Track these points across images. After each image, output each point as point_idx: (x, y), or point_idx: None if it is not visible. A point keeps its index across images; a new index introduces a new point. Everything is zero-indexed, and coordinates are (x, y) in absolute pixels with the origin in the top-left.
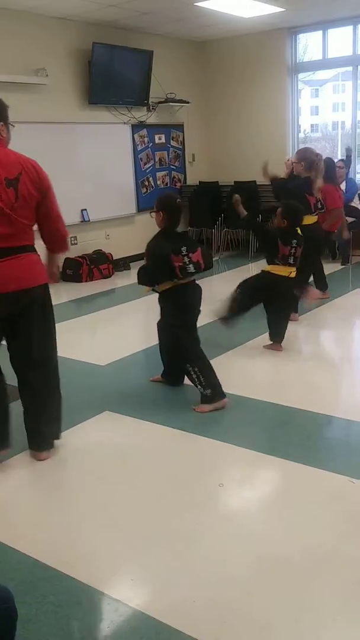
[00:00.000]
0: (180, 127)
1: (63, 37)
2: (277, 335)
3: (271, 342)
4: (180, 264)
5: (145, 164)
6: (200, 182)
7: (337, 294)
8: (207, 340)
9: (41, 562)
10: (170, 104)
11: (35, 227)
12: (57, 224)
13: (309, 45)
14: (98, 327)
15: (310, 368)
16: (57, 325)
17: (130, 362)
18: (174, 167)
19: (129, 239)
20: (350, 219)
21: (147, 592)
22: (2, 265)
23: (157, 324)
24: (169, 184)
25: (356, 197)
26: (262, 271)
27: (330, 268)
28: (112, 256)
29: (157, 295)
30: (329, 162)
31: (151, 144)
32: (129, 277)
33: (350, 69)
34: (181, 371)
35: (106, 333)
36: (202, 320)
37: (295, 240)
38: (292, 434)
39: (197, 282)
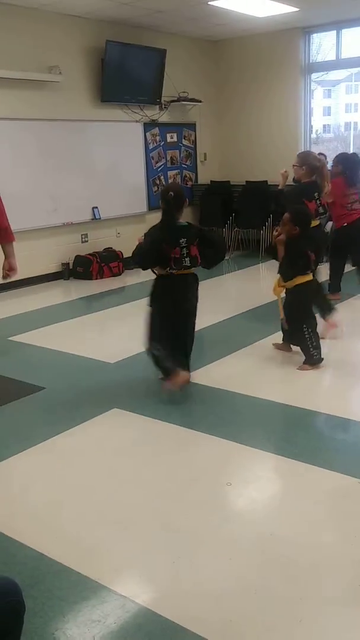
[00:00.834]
0: (192, 126)
1: (76, 35)
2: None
3: (283, 342)
4: (177, 255)
5: (156, 162)
6: (211, 181)
7: (349, 295)
8: (218, 340)
9: (48, 557)
10: (183, 102)
11: None
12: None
13: (322, 45)
14: (107, 325)
15: (320, 369)
16: (66, 323)
17: (139, 360)
18: (186, 166)
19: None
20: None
21: (153, 589)
22: None
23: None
24: (181, 182)
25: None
26: (291, 292)
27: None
28: (122, 254)
29: None
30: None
31: (163, 142)
32: (139, 275)
33: None
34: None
35: (115, 331)
36: (214, 319)
37: (313, 245)
38: (301, 435)
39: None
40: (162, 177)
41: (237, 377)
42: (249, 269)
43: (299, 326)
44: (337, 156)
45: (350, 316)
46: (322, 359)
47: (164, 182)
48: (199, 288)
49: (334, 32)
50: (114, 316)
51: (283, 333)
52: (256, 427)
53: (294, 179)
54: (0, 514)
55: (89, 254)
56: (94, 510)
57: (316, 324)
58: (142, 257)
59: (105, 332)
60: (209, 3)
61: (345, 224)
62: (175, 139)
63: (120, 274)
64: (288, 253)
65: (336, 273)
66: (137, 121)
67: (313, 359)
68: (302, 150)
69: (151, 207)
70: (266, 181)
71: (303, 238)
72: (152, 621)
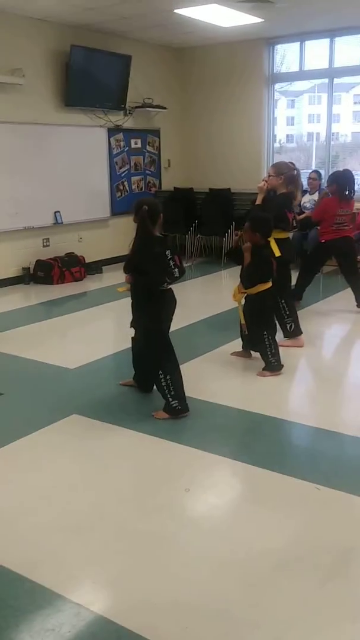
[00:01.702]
0: (156, 132)
1: (41, 39)
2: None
3: (241, 350)
4: (168, 268)
5: (120, 168)
6: (175, 187)
7: (308, 303)
8: (177, 346)
9: (1, 565)
10: (147, 109)
11: None
12: None
13: (286, 56)
14: (68, 330)
15: (278, 376)
16: (26, 328)
17: (100, 366)
18: (150, 172)
19: (102, 243)
20: None
21: (108, 596)
22: None
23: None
24: (144, 188)
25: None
26: (251, 299)
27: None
28: (84, 259)
29: (129, 299)
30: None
31: (127, 148)
32: (100, 281)
33: (326, 81)
34: (153, 378)
35: (76, 336)
36: (175, 325)
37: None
38: (259, 441)
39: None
40: (125, 183)
41: (197, 383)
42: (210, 276)
43: (260, 333)
44: (330, 175)
45: (309, 324)
46: (282, 365)
47: (127, 188)
48: None
49: (298, 43)
50: (74, 321)
51: (242, 339)
52: (215, 433)
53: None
54: None
55: (50, 259)
56: (50, 517)
57: (276, 331)
58: (156, 279)
59: (66, 337)
60: (175, 11)
61: (325, 241)
62: (139, 144)
63: (81, 279)
64: (253, 260)
65: (303, 283)
66: (101, 126)
67: (272, 366)
68: (265, 159)
69: (114, 213)
70: (229, 188)
71: (267, 246)
72: (107, 629)
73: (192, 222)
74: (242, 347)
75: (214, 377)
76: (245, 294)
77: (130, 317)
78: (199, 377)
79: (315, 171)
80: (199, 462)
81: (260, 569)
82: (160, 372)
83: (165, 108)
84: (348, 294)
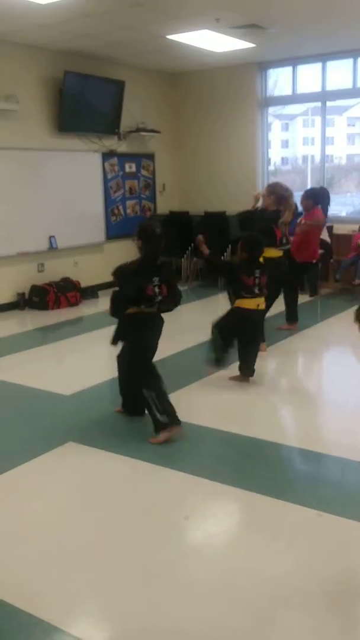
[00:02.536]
0: (151, 156)
1: (35, 65)
2: (247, 369)
3: (238, 374)
4: (151, 293)
5: (115, 192)
6: (170, 211)
7: (306, 325)
8: (174, 371)
9: None
10: (141, 133)
11: None
12: None
13: (279, 80)
14: (63, 356)
15: (277, 400)
16: (21, 354)
17: (96, 392)
18: (144, 196)
19: (98, 267)
20: (319, 251)
21: (107, 628)
22: None
23: (117, 356)
24: (139, 212)
25: (325, 230)
26: (232, 308)
27: (298, 300)
28: (80, 284)
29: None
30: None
31: (121, 172)
32: (96, 306)
33: (319, 104)
34: (140, 399)
35: (72, 362)
36: (169, 350)
37: (257, 270)
38: (258, 466)
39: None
40: (120, 207)
41: (194, 409)
42: (206, 299)
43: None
44: (305, 191)
45: (306, 345)
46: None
47: (122, 212)
48: None
49: (290, 67)
50: (70, 347)
51: (240, 364)
52: (213, 459)
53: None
54: None
55: (46, 284)
56: (47, 547)
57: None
58: (121, 301)
59: (62, 363)
60: (168, 37)
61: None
62: (133, 169)
63: (77, 304)
64: (230, 274)
65: (292, 303)
66: (95, 151)
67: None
68: (260, 181)
69: (109, 237)
70: (224, 212)
71: (250, 263)
72: None
73: (188, 246)
74: (239, 369)
75: (211, 403)
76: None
77: None
78: (195, 402)
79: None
80: (198, 490)
81: (260, 598)
82: (144, 390)
83: (159, 132)
84: (347, 315)
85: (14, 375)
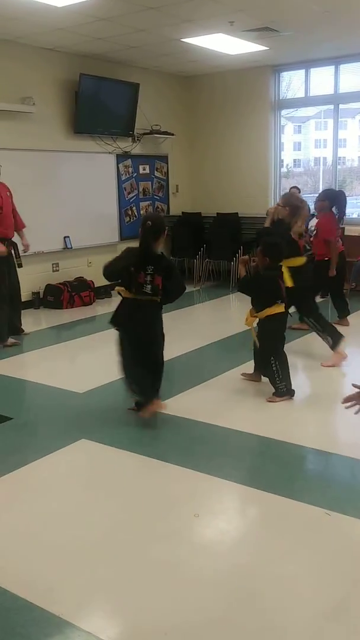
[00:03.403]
0: (164, 158)
1: (51, 68)
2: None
3: (252, 372)
4: (140, 280)
5: (129, 193)
6: (183, 212)
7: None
8: (187, 370)
9: (10, 592)
10: (155, 135)
11: None
12: None
13: (292, 83)
14: (77, 355)
15: (289, 399)
16: (36, 352)
17: (109, 390)
18: (158, 198)
19: None
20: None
21: (118, 623)
22: None
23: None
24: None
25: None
26: (262, 323)
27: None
28: (93, 283)
29: None
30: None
31: (135, 174)
32: (110, 305)
33: (331, 107)
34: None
35: (85, 360)
36: (182, 349)
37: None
38: (268, 465)
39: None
40: (134, 208)
41: (206, 407)
42: (219, 300)
43: (267, 358)
44: (323, 192)
45: (322, 346)
46: (293, 391)
47: (136, 213)
48: (169, 318)
49: (303, 70)
50: (84, 346)
51: (255, 362)
52: (224, 458)
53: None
54: None
55: (60, 283)
56: (59, 543)
57: (285, 356)
58: (109, 269)
59: (75, 361)
60: (182, 40)
61: (326, 259)
62: (147, 170)
63: (91, 304)
64: (270, 283)
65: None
66: (109, 153)
67: (279, 392)
68: (272, 183)
69: (123, 237)
70: (237, 213)
71: (272, 269)
72: None
73: (200, 247)
74: (254, 370)
75: (222, 401)
76: (257, 318)
77: None
78: (207, 401)
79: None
80: (208, 487)
81: (268, 596)
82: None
83: (173, 134)
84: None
85: (29, 373)
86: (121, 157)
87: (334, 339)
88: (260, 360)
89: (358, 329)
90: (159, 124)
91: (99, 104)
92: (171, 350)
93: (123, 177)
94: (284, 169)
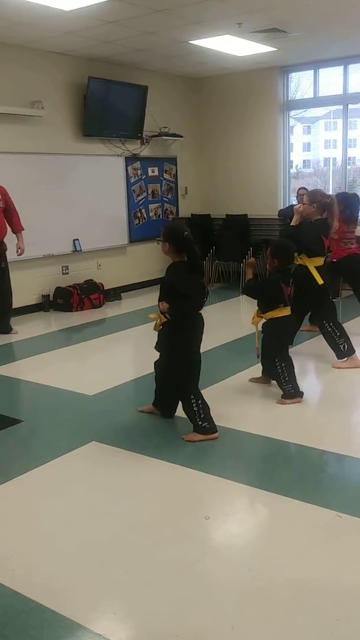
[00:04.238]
0: (173, 160)
1: (59, 71)
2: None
3: (260, 376)
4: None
5: (138, 195)
6: (192, 214)
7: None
8: None
9: (22, 595)
10: (164, 137)
11: None
12: None
13: (300, 84)
14: (87, 357)
15: (298, 401)
16: (45, 355)
17: (119, 393)
18: (167, 200)
19: (121, 269)
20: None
21: (129, 626)
22: None
23: (155, 362)
24: (162, 216)
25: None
26: (267, 325)
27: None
28: (103, 286)
29: (148, 326)
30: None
31: (144, 176)
32: (119, 307)
33: (340, 107)
34: (175, 402)
35: (95, 363)
36: None
37: (290, 279)
38: (280, 467)
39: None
40: (143, 210)
41: (216, 410)
42: (228, 301)
43: (272, 360)
44: (337, 195)
45: (328, 349)
46: (302, 392)
47: (145, 215)
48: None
49: (312, 71)
50: (93, 348)
51: (262, 365)
52: (235, 460)
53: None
54: None
55: (70, 286)
56: (70, 545)
57: (290, 359)
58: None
59: (85, 364)
60: (190, 42)
61: (334, 260)
62: (156, 172)
63: (100, 306)
64: (273, 284)
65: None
66: (118, 155)
67: (287, 394)
68: (281, 184)
69: (132, 240)
70: (246, 214)
71: (284, 272)
72: None
73: (210, 248)
74: (262, 373)
75: (233, 404)
76: (262, 319)
77: (150, 343)
78: (218, 403)
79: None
80: (219, 490)
81: (280, 599)
82: (192, 396)
83: (181, 136)
84: None
85: (39, 375)
86: (130, 159)
87: (349, 345)
88: (266, 363)
89: None
90: (168, 126)
91: (107, 107)
92: None
93: (132, 180)
94: (293, 170)
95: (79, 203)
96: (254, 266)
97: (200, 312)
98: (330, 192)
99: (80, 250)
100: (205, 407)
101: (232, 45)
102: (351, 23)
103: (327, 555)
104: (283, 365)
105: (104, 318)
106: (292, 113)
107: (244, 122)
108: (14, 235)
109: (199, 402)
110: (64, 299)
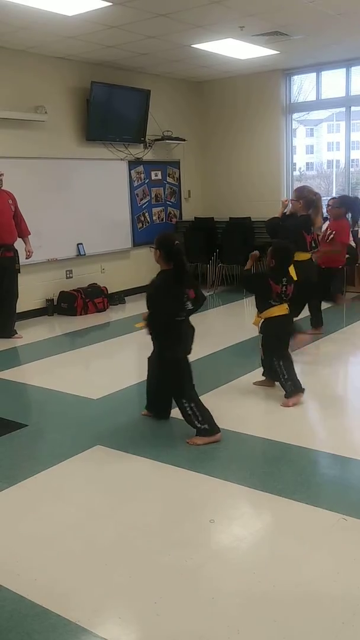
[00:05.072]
0: (176, 164)
1: (62, 76)
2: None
3: (264, 379)
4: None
5: (141, 199)
6: (195, 217)
7: (331, 330)
8: (201, 375)
9: (27, 599)
10: (167, 141)
11: None
12: None
13: (303, 86)
14: (91, 361)
15: (302, 404)
16: (49, 359)
17: (123, 396)
18: (170, 203)
19: (124, 273)
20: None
21: (134, 630)
22: None
23: (149, 358)
24: (165, 219)
25: (350, 235)
26: (265, 324)
27: (324, 304)
28: (107, 290)
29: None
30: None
31: (147, 180)
32: (123, 311)
33: (343, 109)
34: (168, 405)
35: (99, 367)
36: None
37: (285, 279)
38: (284, 470)
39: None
40: (146, 214)
41: (219, 413)
42: (232, 304)
43: (270, 358)
44: (339, 198)
45: (333, 351)
46: (303, 388)
47: (148, 219)
48: None
49: (314, 74)
50: (98, 352)
51: (263, 367)
52: (239, 463)
53: (285, 213)
54: None
55: (74, 290)
56: (75, 549)
57: (289, 355)
58: (161, 321)
59: (89, 368)
60: (192, 46)
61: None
62: (159, 176)
63: (104, 310)
64: (260, 280)
65: (317, 308)
66: (121, 159)
67: (288, 392)
68: (285, 187)
69: (135, 244)
70: (249, 217)
71: (278, 271)
72: None
73: (213, 252)
74: (263, 375)
75: (236, 406)
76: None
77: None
78: (221, 406)
79: (334, 198)
80: (223, 493)
81: (286, 602)
82: (184, 400)
83: (184, 140)
84: None
85: (43, 379)
86: (133, 163)
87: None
88: (266, 363)
89: None
90: (171, 130)
91: (110, 111)
92: None
93: (135, 184)
94: (296, 173)
95: (83, 207)
96: (255, 259)
97: (189, 319)
98: (334, 194)
99: (84, 255)
100: (201, 409)
101: (234, 49)
102: (353, 25)
103: (333, 558)
104: (281, 363)
105: (108, 322)
106: (295, 116)
107: (247, 125)
108: (21, 239)
109: (192, 405)
110: (68, 303)
